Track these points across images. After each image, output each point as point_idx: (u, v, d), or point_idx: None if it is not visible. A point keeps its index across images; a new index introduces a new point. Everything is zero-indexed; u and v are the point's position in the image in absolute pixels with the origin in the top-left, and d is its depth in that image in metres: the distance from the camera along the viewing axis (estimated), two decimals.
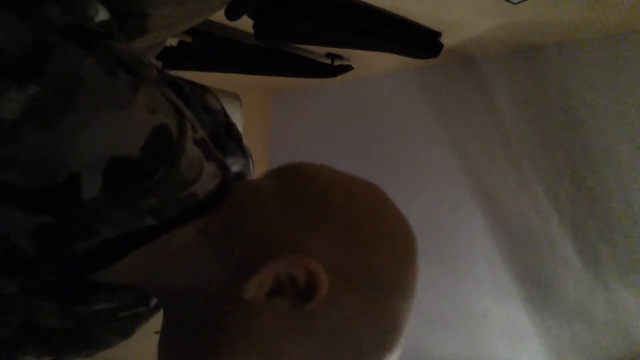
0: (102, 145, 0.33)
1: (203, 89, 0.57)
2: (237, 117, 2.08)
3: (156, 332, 0.43)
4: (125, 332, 0.49)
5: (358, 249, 0.40)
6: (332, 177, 0.45)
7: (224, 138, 0.53)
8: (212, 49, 1.81)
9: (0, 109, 0.30)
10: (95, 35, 0.35)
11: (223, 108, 0.58)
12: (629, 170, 1.79)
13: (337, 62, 2.20)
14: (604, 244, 1.83)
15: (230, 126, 0.55)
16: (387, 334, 0.42)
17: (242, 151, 0.57)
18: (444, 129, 2.29)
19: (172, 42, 1.77)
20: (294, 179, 0.44)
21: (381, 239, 0.42)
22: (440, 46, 1.90)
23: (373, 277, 0.40)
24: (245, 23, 1.60)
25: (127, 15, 0.49)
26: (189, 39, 1.73)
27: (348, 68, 2.23)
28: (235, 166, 0.54)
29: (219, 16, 1.52)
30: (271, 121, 3.13)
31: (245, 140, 0.59)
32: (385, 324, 0.42)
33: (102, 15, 0.38)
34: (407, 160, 2.42)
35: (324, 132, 2.80)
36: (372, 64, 2.32)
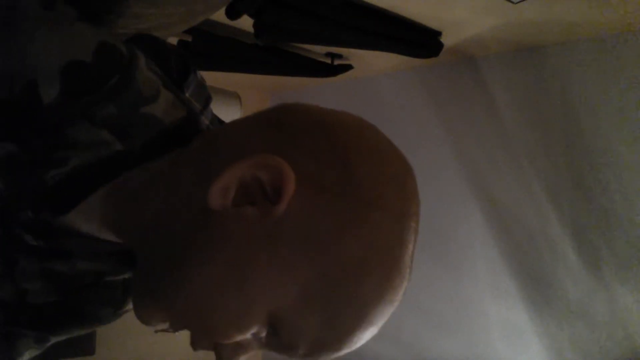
0: (53, 52, 0.34)
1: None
2: (237, 117, 2.07)
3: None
4: (116, 302, 0.47)
5: (340, 164, 0.36)
6: (315, 109, 0.44)
7: None
8: (212, 48, 1.81)
9: None
10: None
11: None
12: (629, 170, 1.79)
13: (337, 62, 2.20)
14: (604, 244, 1.83)
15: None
16: (379, 256, 0.37)
17: None
18: (444, 129, 2.29)
19: (172, 41, 1.77)
20: (272, 109, 0.43)
21: (371, 156, 0.39)
22: (440, 45, 1.90)
23: (357, 188, 0.36)
24: (245, 22, 1.59)
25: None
26: (189, 38, 1.73)
27: (348, 67, 2.23)
28: None
29: (219, 15, 1.52)
30: None
31: None
32: (376, 243, 0.37)
33: None
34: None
35: None
36: (372, 63, 2.32)
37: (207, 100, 0.53)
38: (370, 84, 2.59)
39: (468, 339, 2.16)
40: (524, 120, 2.05)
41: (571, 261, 1.90)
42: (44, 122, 0.35)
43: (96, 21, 0.41)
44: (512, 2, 1.54)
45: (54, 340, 0.44)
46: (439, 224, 2.27)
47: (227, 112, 2.05)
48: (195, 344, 0.38)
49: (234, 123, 0.43)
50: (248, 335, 0.37)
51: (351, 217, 0.36)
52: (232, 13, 1.48)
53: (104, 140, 0.37)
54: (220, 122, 0.58)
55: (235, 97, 2.13)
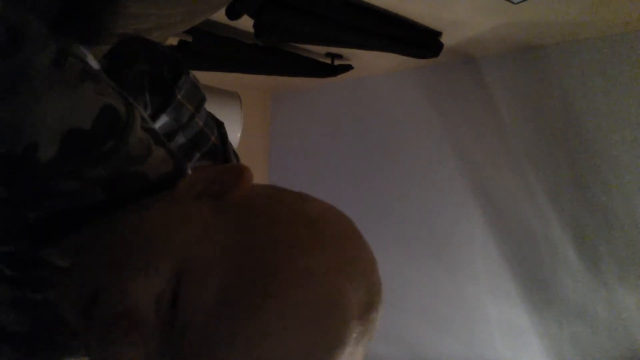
0: (56, 117, 0.37)
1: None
2: (237, 117, 2.08)
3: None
4: None
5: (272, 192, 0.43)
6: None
7: (228, 148, 0.60)
8: (212, 48, 1.81)
9: None
10: (52, 40, 0.39)
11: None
12: (629, 170, 1.79)
13: (337, 62, 2.20)
14: (604, 244, 1.83)
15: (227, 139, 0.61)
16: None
17: (238, 160, 0.62)
18: (444, 129, 2.29)
19: (172, 41, 1.77)
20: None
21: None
22: (440, 46, 1.90)
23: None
24: (245, 22, 1.59)
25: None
26: (189, 39, 1.73)
27: (348, 67, 2.23)
28: None
29: (219, 15, 1.52)
30: (271, 120, 3.13)
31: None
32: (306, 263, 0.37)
33: (92, 63, 0.45)
34: (406, 159, 2.42)
35: (324, 131, 2.80)
36: (372, 63, 2.32)
37: (200, 102, 0.54)
38: (370, 84, 2.59)
39: (468, 339, 2.16)
40: (524, 121, 2.05)
41: (571, 261, 1.90)
42: (36, 176, 0.38)
43: (96, 35, 0.43)
44: (513, 3, 1.54)
45: None
46: (439, 224, 2.28)
47: (227, 112, 2.05)
48: (99, 313, 0.36)
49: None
50: (150, 295, 0.35)
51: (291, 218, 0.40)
52: (232, 13, 1.48)
53: (89, 193, 0.40)
54: (215, 119, 0.59)
55: (235, 97, 2.13)
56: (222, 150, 0.63)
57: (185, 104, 0.54)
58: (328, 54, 2.13)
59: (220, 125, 0.65)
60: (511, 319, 2.05)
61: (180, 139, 0.57)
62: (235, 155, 0.66)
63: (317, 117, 2.85)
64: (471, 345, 2.15)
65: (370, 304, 0.41)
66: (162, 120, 0.53)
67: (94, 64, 0.47)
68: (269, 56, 1.95)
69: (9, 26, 0.36)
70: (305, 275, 0.36)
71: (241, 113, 2.10)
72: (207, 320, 0.34)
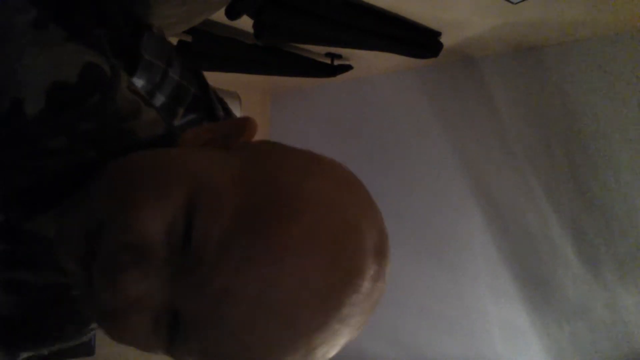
0: (40, 72, 0.36)
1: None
2: (237, 116, 2.07)
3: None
4: (81, 320, 0.46)
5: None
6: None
7: (210, 94, 0.59)
8: (211, 48, 1.81)
9: None
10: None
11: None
12: (629, 170, 1.79)
13: (336, 62, 2.20)
14: (604, 244, 1.83)
15: None
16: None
17: None
18: (444, 129, 2.29)
19: (172, 41, 1.77)
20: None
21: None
22: (440, 46, 1.90)
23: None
24: (244, 22, 1.59)
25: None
26: (188, 39, 1.73)
27: (348, 68, 2.23)
28: None
29: (219, 15, 1.52)
30: (271, 120, 3.13)
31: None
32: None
33: None
34: (406, 159, 2.42)
35: (324, 131, 2.80)
36: (372, 63, 2.32)
37: (170, 55, 0.56)
38: (370, 85, 2.59)
39: (468, 339, 2.16)
40: (523, 121, 2.05)
41: (571, 261, 1.90)
42: (24, 134, 0.37)
43: (86, 35, 0.42)
44: (512, 3, 1.54)
45: (24, 355, 0.44)
46: (439, 224, 2.27)
47: None
48: (106, 241, 0.34)
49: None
50: (161, 225, 0.33)
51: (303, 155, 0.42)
52: (232, 13, 1.48)
53: (79, 149, 0.38)
54: (191, 69, 0.58)
55: (235, 97, 2.12)
56: (204, 99, 0.61)
57: (155, 62, 0.53)
58: (328, 54, 2.13)
59: (197, 74, 0.62)
60: (511, 319, 2.05)
61: (160, 99, 0.55)
62: (221, 101, 0.64)
63: (316, 117, 2.85)
64: (471, 345, 2.15)
65: (382, 249, 0.38)
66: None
67: None
68: (269, 56, 1.95)
69: None
70: (323, 202, 0.35)
71: (241, 113, 2.10)
72: (221, 247, 0.32)
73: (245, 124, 0.42)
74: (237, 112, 2.10)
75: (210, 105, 0.61)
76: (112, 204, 0.34)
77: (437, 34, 1.87)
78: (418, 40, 1.85)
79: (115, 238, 0.33)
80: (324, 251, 0.33)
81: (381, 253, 0.38)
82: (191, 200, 0.33)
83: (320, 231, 0.34)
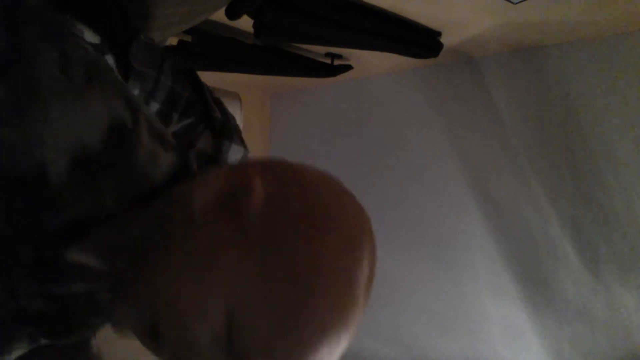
0: (65, 136, 0.37)
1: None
2: (237, 117, 2.07)
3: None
4: (106, 312, 0.49)
5: (298, 184, 0.44)
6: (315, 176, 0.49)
7: (231, 127, 0.59)
8: (211, 48, 1.81)
9: None
10: (61, 34, 0.40)
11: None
12: (629, 170, 1.79)
13: (336, 62, 2.20)
14: (604, 244, 1.83)
15: (234, 120, 0.61)
16: (331, 272, 0.41)
17: (243, 143, 0.61)
18: (444, 129, 2.29)
19: (172, 41, 1.77)
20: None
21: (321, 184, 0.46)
22: (440, 46, 1.90)
23: (313, 209, 0.42)
24: (245, 22, 1.59)
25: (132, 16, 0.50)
26: (188, 38, 1.73)
27: (348, 67, 2.23)
28: (236, 155, 0.59)
29: (219, 15, 1.52)
30: (271, 120, 3.13)
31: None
32: (328, 260, 0.41)
33: (90, 37, 0.44)
34: (406, 159, 2.42)
35: (324, 131, 2.80)
36: (371, 63, 2.32)
37: (162, 60, 0.56)
38: (370, 84, 2.59)
39: (468, 339, 2.16)
40: (523, 121, 2.05)
41: (571, 261, 1.90)
42: (49, 194, 0.39)
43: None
44: (512, 3, 1.54)
45: (43, 342, 0.46)
46: (439, 224, 2.28)
47: None
48: (157, 345, 0.39)
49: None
50: (206, 334, 0.38)
51: (312, 227, 0.41)
52: (232, 13, 1.48)
53: (99, 202, 0.41)
54: (184, 70, 0.58)
55: (235, 97, 2.12)
56: (198, 101, 0.61)
57: (146, 71, 0.53)
58: (328, 54, 2.13)
59: (191, 74, 0.63)
60: (511, 319, 2.05)
61: (154, 106, 0.56)
62: (217, 102, 0.64)
63: (316, 117, 2.85)
64: (470, 345, 2.15)
65: (371, 275, 0.46)
66: None
67: (92, 38, 0.47)
68: (269, 56, 1.95)
69: (9, 26, 0.36)
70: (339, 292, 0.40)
71: (241, 113, 2.10)
72: (262, 351, 0.37)
73: (251, 184, 0.41)
74: (238, 112, 2.10)
75: (205, 107, 0.61)
76: (159, 308, 0.38)
77: (437, 33, 1.87)
78: (418, 40, 1.85)
79: (170, 338, 0.38)
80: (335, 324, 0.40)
81: (370, 283, 0.46)
82: (228, 315, 0.38)
83: (335, 323, 0.40)
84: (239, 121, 2.08)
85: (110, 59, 0.49)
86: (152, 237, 0.41)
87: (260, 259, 0.39)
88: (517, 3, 1.54)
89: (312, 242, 0.40)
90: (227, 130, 0.62)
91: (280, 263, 0.39)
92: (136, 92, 0.53)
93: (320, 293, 0.39)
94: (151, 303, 0.39)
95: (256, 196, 0.40)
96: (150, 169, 0.43)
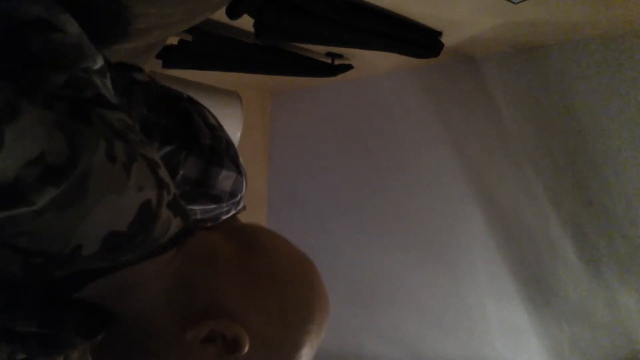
0: (102, 223, 0.42)
1: (202, 105, 0.66)
2: (237, 116, 2.08)
3: None
4: (90, 333, 0.53)
5: (282, 326, 0.51)
6: (282, 256, 0.56)
7: (222, 153, 0.61)
8: (212, 47, 1.81)
9: (33, 201, 0.38)
10: (91, 105, 0.44)
11: (219, 124, 0.67)
12: (629, 171, 1.79)
13: (337, 61, 2.20)
14: (604, 244, 1.83)
15: (229, 145, 0.62)
16: None
17: (237, 167, 0.64)
18: (444, 129, 2.29)
19: (173, 40, 1.77)
20: (250, 249, 0.55)
21: (300, 313, 0.53)
22: (440, 45, 1.90)
23: (285, 347, 0.52)
24: (245, 22, 1.59)
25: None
26: (189, 38, 1.73)
27: (348, 67, 2.23)
28: (227, 180, 0.63)
29: (220, 15, 1.52)
30: (271, 120, 3.13)
31: (241, 160, 0.64)
32: None
33: (100, 61, 0.48)
34: (406, 159, 2.42)
35: (324, 130, 2.80)
36: (372, 63, 2.32)
37: (127, 101, 0.59)
38: (370, 84, 2.59)
39: (468, 339, 2.16)
40: (524, 121, 2.05)
41: (571, 261, 1.90)
42: (74, 261, 0.44)
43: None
44: (513, 2, 1.54)
45: (19, 357, 0.50)
46: (439, 224, 2.28)
47: (227, 112, 2.05)
48: None
49: (209, 253, 0.54)
50: None
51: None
52: (233, 13, 1.48)
53: (112, 267, 0.47)
54: (223, 131, 0.60)
55: (235, 97, 2.13)
56: (181, 127, 0.63)
57: (120, 99, 0.55)
58: (328, 54, 2.13)
59: (174, 100, 0.64)
60: (511, 319, 2.05)
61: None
62: (212, 127, 0.65)
63: (317, 117, 2.85)
64: (471, 345, 2.15)
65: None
66: None
67: (100, 61, 0.49)
68: (269, 56, 1.95)
69: (69, 138, 0.39)
70: None
71: (241, 113, 2.10)
72: None
73: (240, 343, 0.49)
74: (238, 112, 2.10)
75: (191, 134, 0.63)
76: None
77: (438, 33, 1.87)
78: (419, 40, 1.85)
79: None
80: None
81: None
82: None
83: None
84: (239, 120, 2.08)
85: (108, 82, 0.51)
86: (153, 326, 0.49)
87: None
88: (517, 3, 1.54)
89: None
90: (216, 157, 0.64)
91: None
92: None
93: None
94: None
95: (242, 350, 0.48)
96: (161, 235, 0.48)
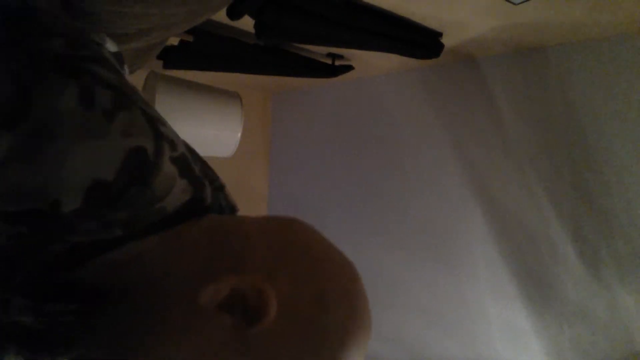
0: (81, 173, 0.37)
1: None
2: (238, 117, 2.08)
3: None
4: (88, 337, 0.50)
5: (315, 301, 0.41)
6: (321, 241, 0.47)
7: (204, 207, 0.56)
8: (213, 48, 1.81)
9: None
10: (84, 60, 0.39)
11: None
12: (629, 170, 1.79)
13: (337, 62, 2.20)
14: (604, 244, 1.83)
15: (222, 187, 0.56)
16: None
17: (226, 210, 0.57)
18: (445, 129, 2.29)
19: (174, 41, 1.77)
20: (284, 227, 0.47)
21: (342, 300, 0.43)
22: (441, 46, 1.90)
23: (324, 330, 0.41)
24: (246, 22, 1.60)
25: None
26: (190, 38, 1.73)
27: (349, 68, 2.23)
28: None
29: (220, 15, 1.53)
30: (272, 120, 3.13)
31: (236, 204, 0.59)
32: None
33: (110, 47, 0.44)
34: (407, 159, 2.43)
35: (324, 131, 2.80)
36: (372, 64, 2.33)
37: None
38: (370, 85, 2.59)
39: (468, 339, 2.16)
40: (524, 121, 2.05)
41: (571, 262, 1.91)
42: (58, 224, 0.38)
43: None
44: (513, 3, 1.54)
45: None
46: (439, 224, 2.28)
47: (227, 112, 2.05)
48: None
49: (241, 223, 0.46)
50: None
51: (311, 351, 0.40)
52: (234, 13, 1.48)
53: (108, 230, 0.40)
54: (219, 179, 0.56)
55: (235, 97, 2.13)
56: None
57: (203, 179, 0.52)
58: (329, 55, 2.13)
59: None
60: (511, 320, 2.05)
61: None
62: (196, 180, 0.61)
63: (317, 117, 2.85)
64: (471, 346, 2.15)
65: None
66: None
67: (112, 47, 0.46)
68: (270, 56, 1.95)
69: (14, 76, 0.36)
70: None
71: (241, 113, 2.10)
72: None
73: (267, 306, 0.40)
74: (238, 112, 2.10)
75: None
76: None
77: (438, 34, 1.87)
78: (419, 41, 1.85)
79: None
80: None
81: None
82: None
83: None
84: (239, 121, 2.08)
85: (126, 69, 0.48)
86: (162, 292, 0.41)
87: None
88: (518, 4, 1.54)
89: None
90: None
91: None
92: None
93: None
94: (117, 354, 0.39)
95: (268, 316, 0.39)
96: (163, 193, 0.42)
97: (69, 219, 0.38)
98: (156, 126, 0.42)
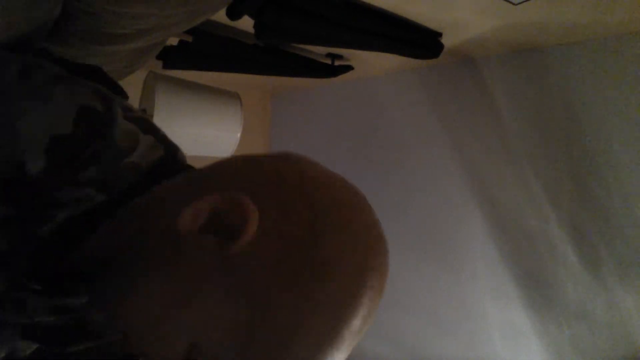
0: (36, 130, 0.37)
1: None
2: (237, 116, 2.08)
3: None
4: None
5: (307, 227, 0.37)
6: (320, 168, 0.43)
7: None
8: (212, 48, 1.81)
9: None
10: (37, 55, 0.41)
11: None
12: (629, 171, 1.79)
13: (337, 62, 2.20)
14: (604, 244, 1.83)
15: None
16: (321, 320, 0.37)
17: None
18: (444, 129, 2.29)
19: (173, 41, 1.77)
20: (275, 155, 0.44)
21: (340, 231, 0.39)
22: (440, 46, 1.90)
23: (312, 261, 0.37)
24: (245, 22, 1.60)
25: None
26: (189, 39, 1.73)
27: (348, 68, 2.23)
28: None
29: (220, 16, 1.53)
30: (271, 120, 3.13)
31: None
32: (321, 308, 0.36)
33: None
34: (406, 160, 2.43)
35: (324, 131, 2.80)
36: (372, 64, 2.32)
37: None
38: (370, 85, 2.59)
39: (468, 339, 2.16)
40: (524, 121, 2.05)
41: (571, 262, 1.90)
42: (31, 189, 0.38)
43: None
44: (513, 4, 1.54)
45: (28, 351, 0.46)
46: (439, 224, 2.28)
47: (227, 112, 2.05)
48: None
49: (227, 159, 0.45)
50: None
51: (302, 281, 0.36)
52: (233, 13, 1.48)
53: (88, 196, 0.40)
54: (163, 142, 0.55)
55: (235, 97, 2.13)
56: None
57: (169, 139, 0.53)
58: (328, 55, 2.13)
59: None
60: (511, 320, 2.05)
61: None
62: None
63: (317, 118, 2.85)
64: (471, 346, 2.15)
65: (371, 314, 0.40)
66: None
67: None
68: (269, 56, 1.95)
69: None
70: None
71: (241, 113, 2.10)
72: None
73: (247, 219, 0.37)
74: (238, 112, 2.10)
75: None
76: (139, 335, 0.38)
77: (437, 34, 1.87)
78: (419, 41, 1.85)
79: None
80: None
81: (361, 332, 0.40)
82: (192, 346, 0.36)
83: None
84: (239, 121, 2.08)
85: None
86: (132, 247, 0.40)
87: (239, 309, 0.36)
88: (518, 4, 1.54)
89: (307, 301, 0.36)
90: None
91: (263, 322, 0.36)
92: None
93: (298, 344, 0.36)
94: (124, 316, 0.38)
95: (248, 232, 0.36)
96: (130, 152, 0.41)
97: (42, 181, 0.37)
98: (101, 92, 0.42)
